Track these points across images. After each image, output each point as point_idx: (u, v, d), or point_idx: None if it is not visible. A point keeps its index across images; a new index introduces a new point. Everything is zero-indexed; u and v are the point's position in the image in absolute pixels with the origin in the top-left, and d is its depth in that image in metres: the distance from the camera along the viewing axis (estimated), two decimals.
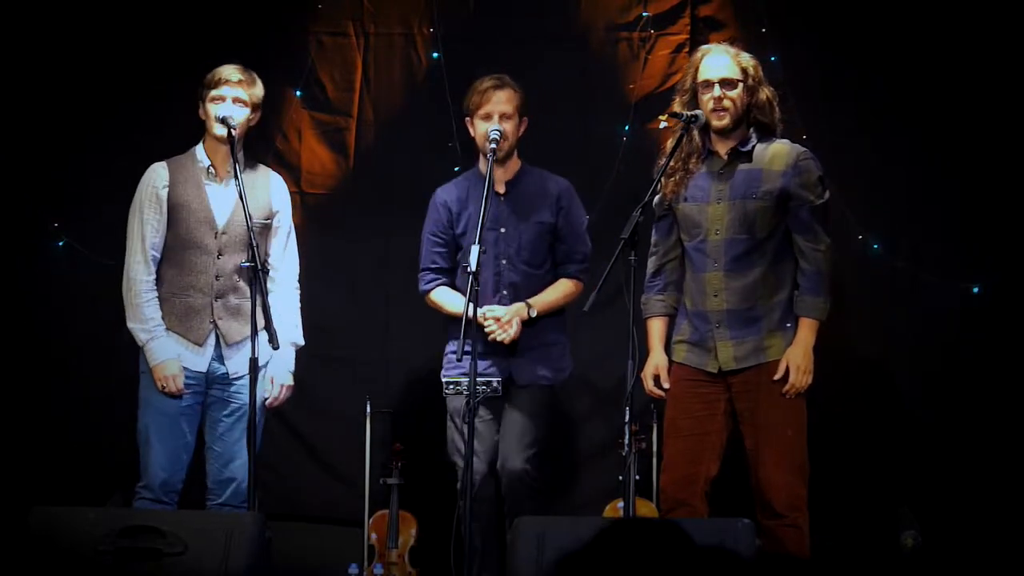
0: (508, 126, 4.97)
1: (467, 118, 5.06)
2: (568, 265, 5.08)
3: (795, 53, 5.54)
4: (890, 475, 5.56)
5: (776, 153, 4.58)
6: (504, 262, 5.03)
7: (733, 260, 4.56)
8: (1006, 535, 5.39)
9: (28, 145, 5.84)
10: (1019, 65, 5.51)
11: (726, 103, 4.54)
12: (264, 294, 4.59)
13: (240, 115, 4.80)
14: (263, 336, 4.62)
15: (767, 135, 4.61)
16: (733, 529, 4.04)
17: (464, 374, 4.80)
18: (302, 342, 4.99)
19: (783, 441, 4.52)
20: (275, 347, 4.61)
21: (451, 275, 5.10)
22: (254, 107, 4.86)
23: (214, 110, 4.81)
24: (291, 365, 4.95)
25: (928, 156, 5.63)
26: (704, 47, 4.71)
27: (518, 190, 5.08)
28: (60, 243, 5.81)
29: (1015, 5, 5.50)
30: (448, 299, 5.07)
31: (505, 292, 5.02)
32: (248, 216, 4.66)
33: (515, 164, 5.10)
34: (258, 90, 4.88)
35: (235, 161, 4.73)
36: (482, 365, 4.95)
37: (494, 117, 4.96)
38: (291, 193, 5.87)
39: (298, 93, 5.93)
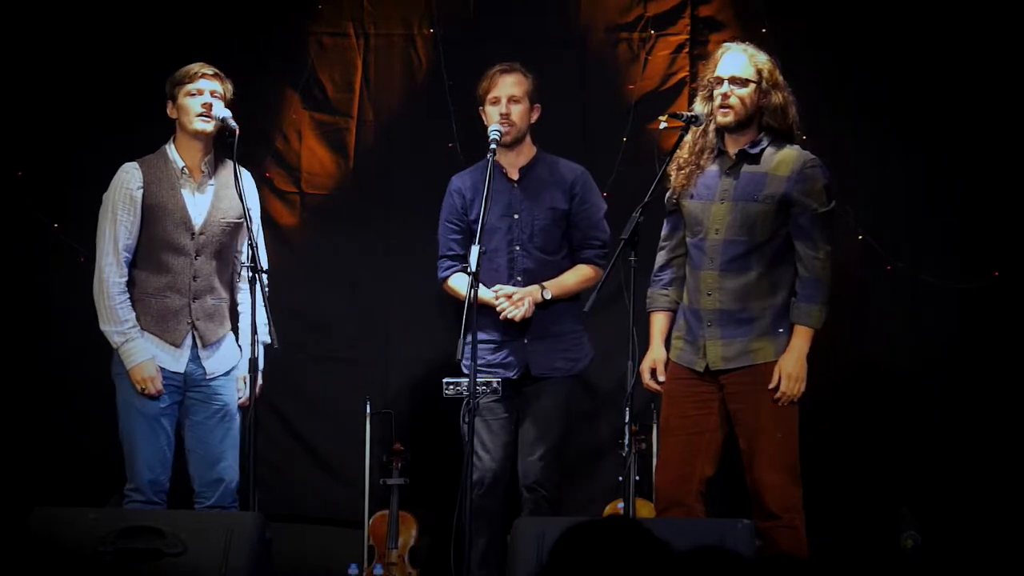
0: (516, 110, 5.00)
1: (480, 107, 5.07)
2: (585, 251, 5.09)
3: (795, 53, 5.53)
4: (890, 475, 5.56)
5: (784, 158, 4.57)
6: (518, 248, 5.04)
7: (730, 260, 4.56)
8: (1006, 535, 5.39)
9: (28, 145, 5.84)
10: (1019, 65, 5.50)
11: (732, 100, 4.54)
12: (266, 294, 4.59)
13: (218, 108, 4.78)
14: (244, 337, 4.70)
15: (780, 140, 4.60)
16: (733, 529, 4.05)
17: (488, 365, 4.87)
18: (267, 339, 4.93)
19: (774, 443, 4.52)
20: (275, 345, 4.63)
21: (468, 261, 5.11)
22: (227, 103, 4.84)
23: (192, 104, 4.79)
24: (261, 363, 4.92)
25: (928, 156, 5.63)
26: (726, 44, 4.69)
27: (531, 176, 5.09)
28: (68, 246, 5.81)
29: (1015, 5, 5.49)
30: (465, 285, 5.07)
31: (519, 278, 5.03)
32: (248, 217, 4.67)
33: (529, 150, 5.11)
34: (229, 86, 4.87)
35: (235, 161, 4.73)
36: (499, 355, 4.99)
37: (502, 101, 4.98)
38: (291, 193, 5.92)
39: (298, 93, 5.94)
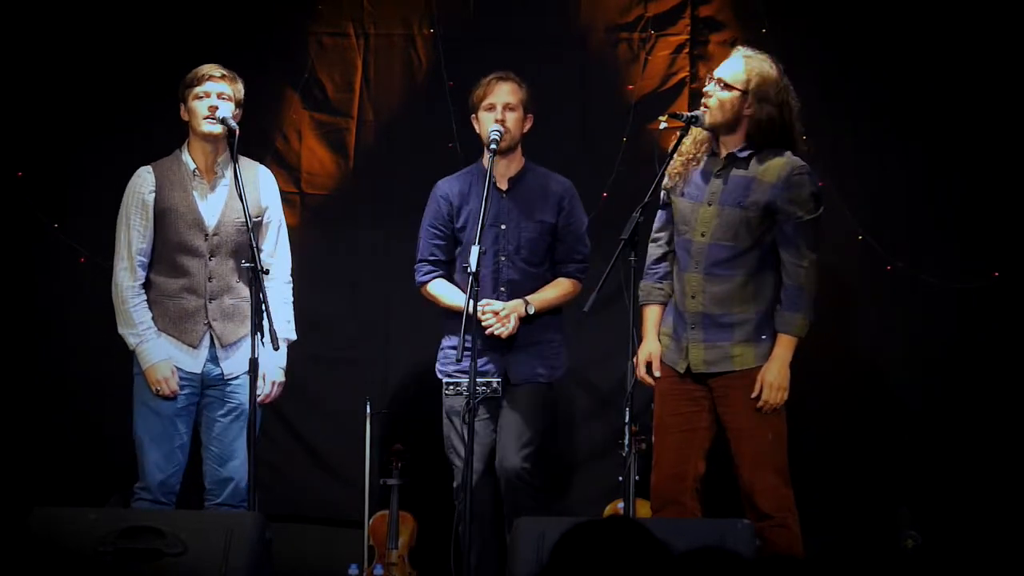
0: (511, 118, 4.99)
1: (472, 115, 5.07)
2: (567, 264, 5.10)
3: (795, 54, 5.53)
4: (889, 475, 5.56)
5: (772, 165, 4.55)
6: (503, 259, 5.04)
7: (713, 264, 4.56)
8: (1006, 535, 5.39)
9: (28, 145, 5.84)
10: (1019, 65, 5.50)
11: (710, 100, 4.54)
12: (265, 294, 4.59)
13: (227, 110, 4.80)
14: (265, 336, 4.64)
15: (773, 148, 4.57)
16: (733, 529, 4.05)
17: (464, 372, 4.83)
18: (294, 337, 4.98)
19: (763, 444, 4.53)
20: (276, 347, 4.64)
21: (448, 268, 5.11)
22: (237, 103, 4.86)
23: (199, 107, 4.81)
24: (282, 361, 4.95)
25: (928, 156, 5.62)
26: (739, 47, 4.68)
27: (520, 188, 5.08)
28: (71, 249, 5.82)
29: (1015, 5, 5.49)
30: (445, 291, 5.08)
31: (503, 289, 5.03)
32: (248, 217, 4.67)
33: (519, 161, 5.11)
34: (240, 86, 4.88)
35: (235, 161, 4.73)
36: (479, 363, 4.96)
37: (497, 108, 4.98)
38: (291, 193, 5.92)
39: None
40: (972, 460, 5.51)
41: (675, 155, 4.60)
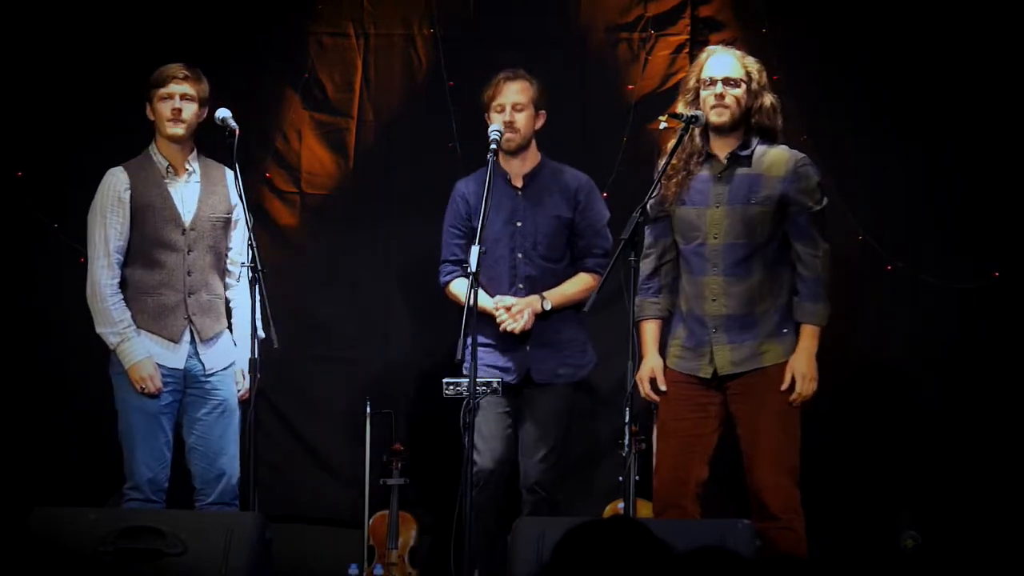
0: (520, 117, 4.99)
1: (485, 114, 5.06)
2: (587, 259, 5.09)
3: (795, 54, 5.54)
4: (890, 475, 5.56)
5: (775, 159, 4.57)
6: (520, 255, 5.04)
7: (732, 265, 4.55)
8: (1006, 535, 5.39)
9: (28, 145, 5.84)
10: (1019, 65, 5.51)
11: (728, 100, 4.54)
12: (264, 293, 4.59)
13: (189, 111, 4.83)
14: (236, 332, 4.79)
15: (768, 141, 4.60)
16: (733, 529, 4.05)
17: (490, 367, 4.87)
18: (263, 335, 4.95)
19: (777, 444, 4.52)
20: (275, 345, 4.63)
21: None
22: (202, 103, 4.87)
23: (163, 108, 4.83)
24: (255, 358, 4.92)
25: (928, 156, 5.63)
26: (710, 47, 4.71)
27: (536, 184, 5.08)
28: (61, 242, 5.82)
29: (1015, 5, 5.50)
30: (466, 291, 5.07)
31: (521, 286, 5.03)
32: (248, 217, 4.68)
33: (534, 157, 5.10)
34: (204, 86, 4.90)
35: (235, 161, 4.73)
36: (500, 360, 4.99)
37: (507, 109, 4.97)
38: (291, 193, 5.92)
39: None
40: (972, 460, 5.51)
41: (667, 170, 4.58)
